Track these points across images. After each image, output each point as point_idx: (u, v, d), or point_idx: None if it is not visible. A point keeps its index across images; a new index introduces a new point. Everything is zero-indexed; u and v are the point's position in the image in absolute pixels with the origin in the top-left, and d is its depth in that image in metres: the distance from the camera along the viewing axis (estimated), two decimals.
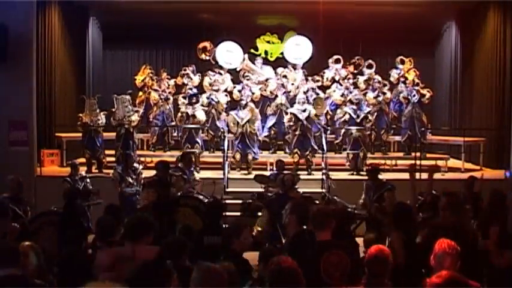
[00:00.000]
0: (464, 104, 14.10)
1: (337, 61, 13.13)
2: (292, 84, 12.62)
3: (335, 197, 8.08)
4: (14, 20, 10.78)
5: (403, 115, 12.80)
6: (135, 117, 12.07)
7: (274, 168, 10.67)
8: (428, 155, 12.54)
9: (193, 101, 12.14)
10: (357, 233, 7.37)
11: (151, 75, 13.28)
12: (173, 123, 12.85)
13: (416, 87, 12.66)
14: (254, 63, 13.33)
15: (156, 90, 13.13)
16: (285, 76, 12.72)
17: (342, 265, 4.05)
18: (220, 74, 12.89)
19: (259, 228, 7.46)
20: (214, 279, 3.25)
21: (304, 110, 11.63)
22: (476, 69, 13.73)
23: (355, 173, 11.49)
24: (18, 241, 4.53)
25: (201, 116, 12.08)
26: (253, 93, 12.52)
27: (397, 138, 13.26)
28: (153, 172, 9.34)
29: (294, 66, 13.16)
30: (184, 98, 12.47)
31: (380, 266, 3.71)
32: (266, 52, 14.81)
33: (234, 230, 4.69)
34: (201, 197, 9.00)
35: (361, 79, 12.92)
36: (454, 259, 3.83)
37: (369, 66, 13.02)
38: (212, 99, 12.46)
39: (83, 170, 10.35)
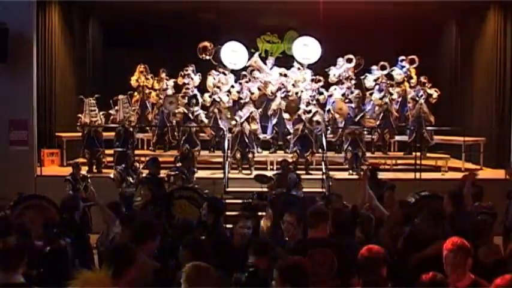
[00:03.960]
0: (464, 104, 14.09)
1: (349, 60, 13.08)
2: (293, 85, 12.58)
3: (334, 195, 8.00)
4: (14, 20, 10.82)
5: (411, 115, 12.75)
6: (134, 118, 12.10)
7: (275, 168, 10.68)
8: (428, 155, 12.54)
9: (193, 101, 12.16)
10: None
11: (145, 74, 13.26)
12: (173, 124, 12.84)
13: (423, 87, 12.61)
14: (265, 63, 13.32)
15: (155, 90, 13.13)
16: (285, 75, 12.70)
17: (327, 263, 4.04)
18: (225, 74, 12.88)
19: (265, 229, 7.44)
20: (205, 278, 3.26)
21: (309, 111, 11.65)
22: (476, 69, 13.73)
23: (354, 172, 11.49)
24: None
25: (203, 118, 12.19)
26: (252, 93, 12.51)
27: (398, 137, 13.24)
28: None
29: (302, 66, 13.12)
30: (183, 97, 12.48)
31: (372, 264, 3.71)
32: (266, 51, 14.79)
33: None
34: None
35: (369, 77, 12.88)
36: (456, 256, 3.81)
37: (382, 68, 12.93)
38: (215, 98, 12.47)
39: (83, 170, 10.36)
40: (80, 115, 11.81)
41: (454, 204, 6.01)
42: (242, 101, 12.07)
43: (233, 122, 11.77)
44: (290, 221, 5.03)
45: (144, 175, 9.62)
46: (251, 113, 11.81)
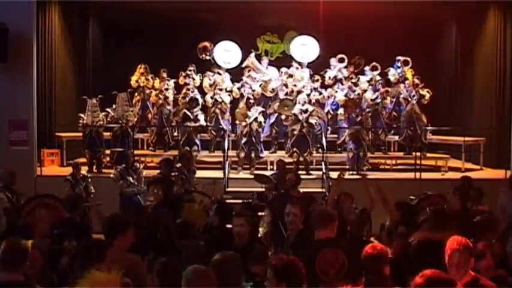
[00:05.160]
0: (464, 104, 14.09)
1: (341, 60, 13.06)
2: (295, 85, 12.52)
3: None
4: (14, 20, 10.81)
5: (402, 115, 12.75)
6: (132, 118, 12.08)
7: (275, 168, 10.68)
8: (428, 155, 12.55)
9: (193, 104, 12.19)
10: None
11: (145, 74, 13.26)
12: (173, 124, 12.84)
13: (416, 88, 12.60)
14: (260, 63, 13.32)
15: (156, 90, 13.13)
16: (290, 76, 12.65)
17: (337, 263, 4.05)
18: (219, 74, 12.87)
19: (265, 230, 7.41)
20: (202, 281, 3.28)
21: (306, 111, 11.63)
22: (476, 69, 13.73)
23: (355, 172, 11.49)
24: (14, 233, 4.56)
25: (202, 120, 12.21)
26: (253, 90, 12.50)
27: (397, 137, 13.23)
28: (153, 172, 9.36)
29: (300, 65, 13.11)
30: (184, 98, 12.47)
31: (375, 263, 3.72)
32: (266, 52, 14.78)
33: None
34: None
35: (362, 79, 12.88)
36: (462, 256, 3.82)
37: (373, 68, 12.93)
38: (216, 99, 12.47)
39: (84, 170, 10.36)
40: (81, 115, 11.80)
41: (462, 202, 6.04)
42: (251, 101, 12.04)
43: (243, 123, 11.74)
44: (295, 212, 5.06)
45: (144, 175, 9.64)
46: (259, 113, 11.80)
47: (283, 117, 12.07)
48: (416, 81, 12.65)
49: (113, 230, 4.32)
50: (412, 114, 12.48)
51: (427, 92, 12.63)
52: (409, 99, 12.56)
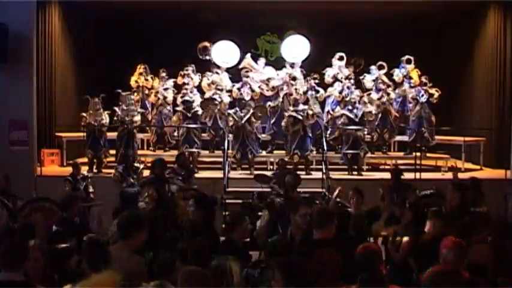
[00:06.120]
0: (464, 104, 14.10)
1: (340, 59, 13.06)
2: (296, 89, 12.46)
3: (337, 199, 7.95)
4: (14, 20, 10.84)
5: (412, 115, 12.71)
6: (138, 118, 12.08)
7: (275, 168, 10.68)
8: (428, 155, 12.55)
9: (187, 105, 12.20)
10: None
11: (144, 74, 13.26)
12: (173, 124, 12.84)
13: (425, 87, 12.58)
14: (257, 63, 13.31)
15: (155, 90, 13.13)
16: (293, 79, 12.59)
17: (331, 263, 4.04)
18: (218, 73, 12.86)
19: (262, 224, 7.41)
20: (198, 282, 3.31)
21: (303, 111, 11.60)
22: (476, 69, 13.73)
23: (355, 173, 11.48)
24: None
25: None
26: (253, 91, 12.49)
27: (398, 138, 13.23)
28: None
29: (292, 65, 13.09)
30: (182, 98, 12.46)
31: (369, 262, 3.73)
32: (266, 52, 14.78)
33: (235, 219, 4.93)
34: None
35: (368, 77, 12.86)
36: (456, 255, 3.88)
37: (380, 67, 12.92)
38: (215, 98, 12.46)
39: (84, 170, 10.36)
40: (84, 114, 11.80)
41: (462, 198, 6.05)
42: (244, 101, 12.03)
43: (230, 123, 11.75)
44: (308, 213, 5.08)
45: (143, 175, 9.63)
46: (252, 113, 11.77)
47: (283, 122, 11.95)
48: (425, 80, 12.63)
49: (129, 229, 4.27)
50: (421, 114, 12.47)
51: (436, 91, 12.60)
52: (418, 98, 12.53)
